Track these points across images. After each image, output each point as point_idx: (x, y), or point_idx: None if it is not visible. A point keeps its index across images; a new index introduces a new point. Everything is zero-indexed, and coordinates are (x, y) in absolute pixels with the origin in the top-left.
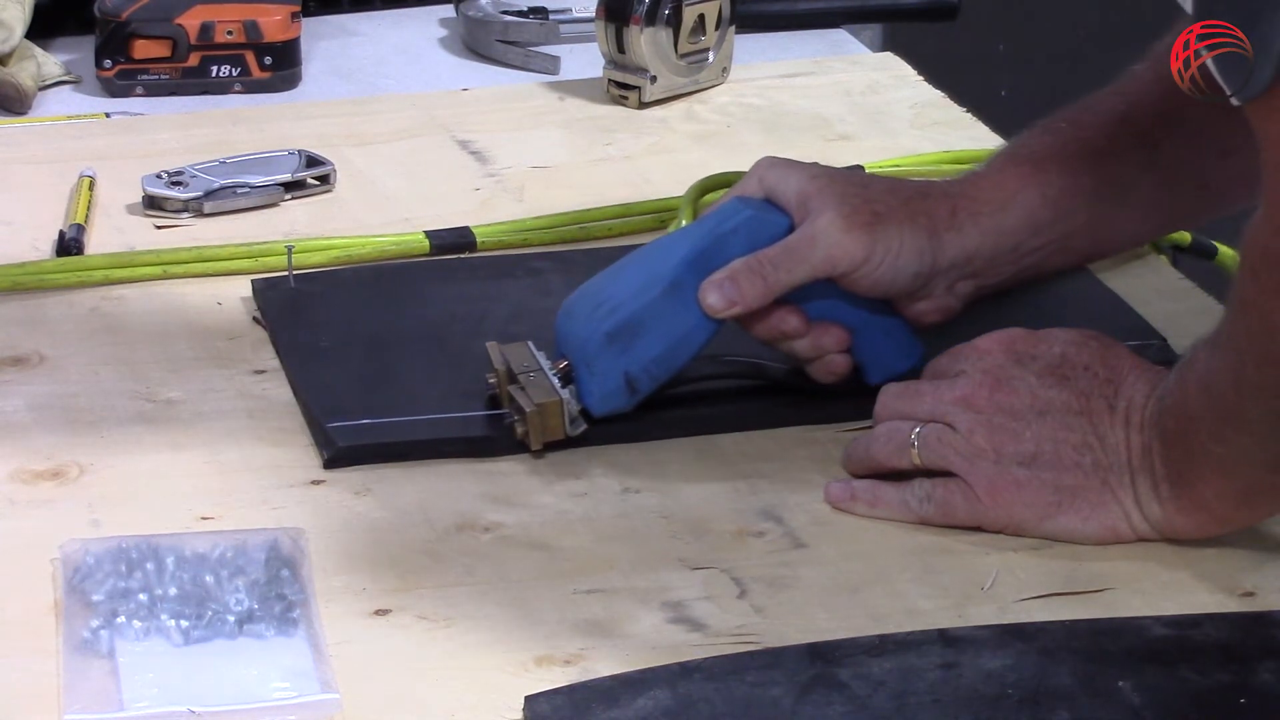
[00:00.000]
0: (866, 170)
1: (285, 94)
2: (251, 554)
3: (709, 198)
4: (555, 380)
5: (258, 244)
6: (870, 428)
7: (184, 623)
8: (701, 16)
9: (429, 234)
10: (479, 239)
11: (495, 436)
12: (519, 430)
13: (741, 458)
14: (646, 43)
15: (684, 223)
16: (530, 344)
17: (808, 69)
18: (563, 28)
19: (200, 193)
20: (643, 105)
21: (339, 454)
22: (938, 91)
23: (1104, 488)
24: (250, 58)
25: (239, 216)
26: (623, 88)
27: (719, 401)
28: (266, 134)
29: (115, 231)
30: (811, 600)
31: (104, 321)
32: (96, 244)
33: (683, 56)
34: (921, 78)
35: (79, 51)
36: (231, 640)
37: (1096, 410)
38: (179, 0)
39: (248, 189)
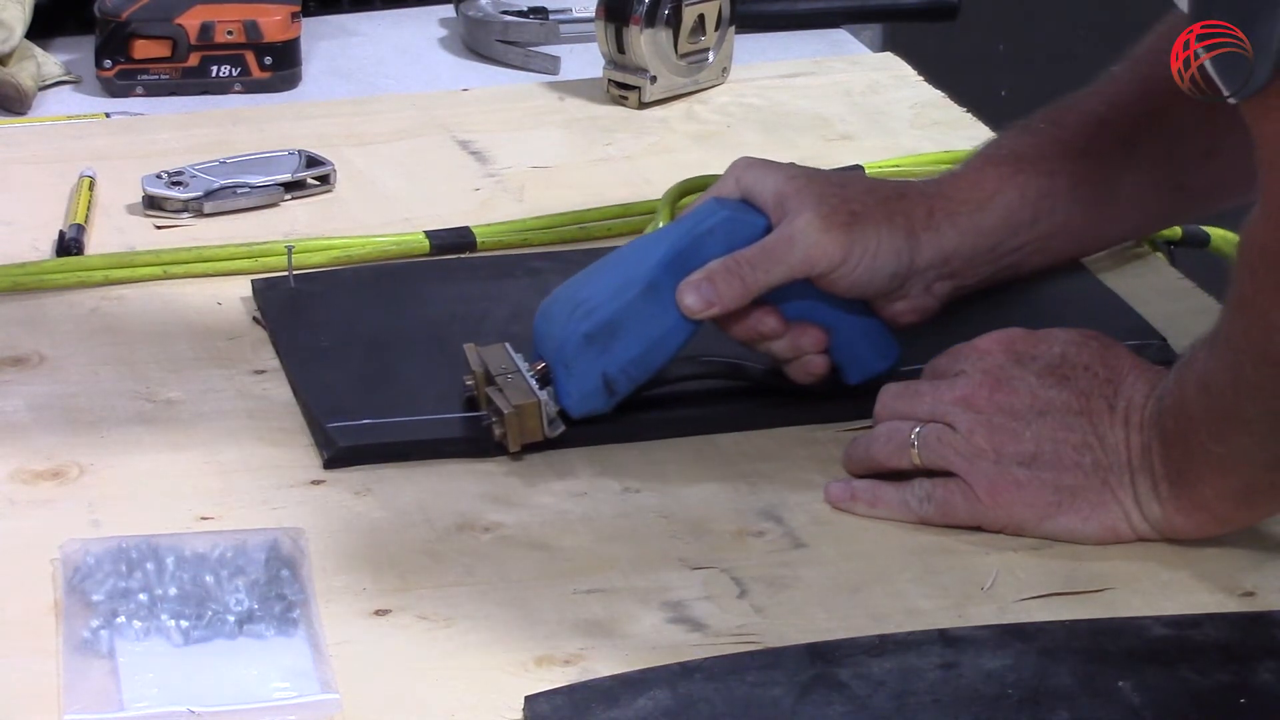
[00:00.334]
0: (866, 170)
1: (285, 94)
2: (251, 554)
3: (687, 199)
4: (533, 382)
5: (258, 244)
6: (870, 428)
7: (184, 623)
8: (701, 16)
9: (429, 234)
10: (479, 239)
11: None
12: (497, 432)
13: (741, 458)
14: (646, 43)
15: (661, 224)
16: (508, 345)
17: (808, 69)
18: (563, 28)
19: (200, 193)
20: (643, 105)
21: (339, 454)
22: (938, 91)
23: (1104, 488)
24: (250, 58)
25: (239, 216)
26: (623, 88)
27: (719, 401)
28: (266, 134)
29: (115, 231)
30: (811, 600)
31: (104, 321)
32: (96, 244)
33: (683, 56)
34: (921, 78)
35: (79, 51)
36: (231, 640)
37: (1096, 410)
38: (179, 0)
39: (248, 189)
